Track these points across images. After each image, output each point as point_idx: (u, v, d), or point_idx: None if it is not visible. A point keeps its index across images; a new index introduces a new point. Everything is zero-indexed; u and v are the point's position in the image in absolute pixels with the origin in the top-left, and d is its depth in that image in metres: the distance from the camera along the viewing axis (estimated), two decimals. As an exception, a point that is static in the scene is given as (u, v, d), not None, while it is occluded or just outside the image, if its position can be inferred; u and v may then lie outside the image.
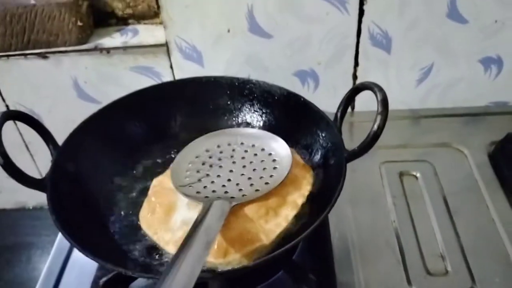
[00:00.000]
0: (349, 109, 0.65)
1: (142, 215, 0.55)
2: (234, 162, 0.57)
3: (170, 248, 0.51)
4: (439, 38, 0.76)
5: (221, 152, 0.59)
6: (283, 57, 0.77)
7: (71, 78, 0.79)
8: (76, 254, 0.64)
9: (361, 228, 0.64)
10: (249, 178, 0.55)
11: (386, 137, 0.77)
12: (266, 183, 0.54)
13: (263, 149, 0.59)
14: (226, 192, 0.53)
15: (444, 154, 0.74)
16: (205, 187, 0.54)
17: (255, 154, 0.58)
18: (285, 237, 0.52)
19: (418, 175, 0.71)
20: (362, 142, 0.53)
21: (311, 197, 0.57)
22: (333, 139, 0.58)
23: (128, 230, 0.55)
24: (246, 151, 0.59)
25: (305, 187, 0.55)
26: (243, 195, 0.52)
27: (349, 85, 0.80)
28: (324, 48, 0.77)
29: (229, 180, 0.55)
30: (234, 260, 0.48)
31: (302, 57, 0.78)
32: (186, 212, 0.52)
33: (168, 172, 0.58)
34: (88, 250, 0.45)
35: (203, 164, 0.58)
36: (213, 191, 0.53)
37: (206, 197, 0.52)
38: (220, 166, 0.57)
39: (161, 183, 0.57)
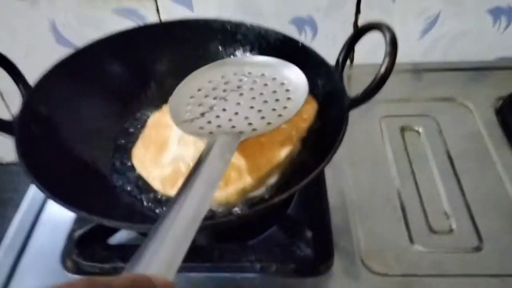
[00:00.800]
0: (348, 62, 0.60)
1: (135, 152, 0.52)
2: (241, 94, 0.50)
3: (157, 184, 0.47)
4: (447, -15, 0.70)
5: (226, 83, 0.52)
6: (280, 1, 0.71)
7: (48, 20, 0.73)
8: (50, 207, 0.59)
9: (360, 185, 0.59)
10: (259, 111, 0.48)
11: (386, 91, 0.72)
12: (279, 115, 0.47)
13: (274, 78, 0.52)
14: (233, 127, 0.46)
15: (448, 109, 0.70)
16: (209, 122, 0.47)
17: (265, 84, 0.51)
18: (280, 186, 0.48)
19: (420, 130, 0.66)
20: (368, 86, 0.48)
21: (308, 147, 0.52)
22: (334, 86, 0.53)
23: (111, 177, 0.51)
24: (255, 81, 0.52)
25: (305, 121, 0.51)
26: (253, 129, 0.46)
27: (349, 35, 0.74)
28: (323, -7, 0.71)
29: (236, 113, 0.48)
30: (220, 197, 0.45)
31: (300, 2, 0.72)
32: (177, 148, 0.48)
33: (165, 108, 0.53)
34: (60, 197, 0.40)
35: (206, 97, 0.51)
36: (218, 126, 0.47)
37: (211, 132, 0.46)
38: (226, 99, 0.50)
39: (158, 119, 0.53)
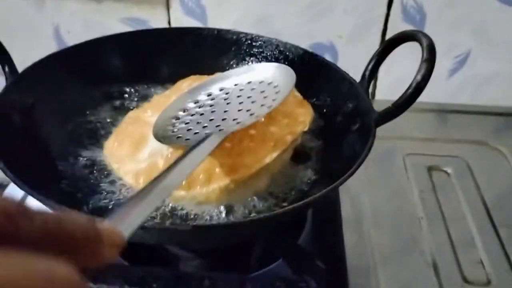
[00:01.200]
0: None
1: (108, 144, 0.46)
2: (228, 103, 0.45)
3: (129, 178, 0.42)
4: (479, 21, 0.66)
5: (212, 99, 0.47)
6: (299, 24, 0.67)
7: (52, 25, 0.68)
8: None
9: (381, 223, 0.51)
10: (248, 110, 0.43)
11: (410, 128, 0.67)
12: (268, 107, 0.42)
13: (261, 82, 0.46)
14: (220, 130, 0.41)
15: (480, 153, 0.62)
16: (195, 133, 0.42)
17: (253, 89, 0.46)
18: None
19: (449, 171, 0.59)
20: (400, 97, 0.42)
21: (321, 169, 0.45)
22: (358, 101, 0.47)
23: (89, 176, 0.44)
24: (241, 89, 0.47)
25: (299, 125, 0.46)
26: (237, 123, 0.41)
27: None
28: (348, 18, 0.66)
29: (224, 119, 0.42)
30: (200, 195, 0.40)
31: (321, 27, 0.67)
32: (155, 144, 0.42)
33: (146, 106, 0.49)
34: (30, 186, 0.33)
35: (192, 115, 0.45)
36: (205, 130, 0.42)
37: (196, 133, 0.42)
38: (213, 111, 0.45)
39: (136, 116, 0.48)
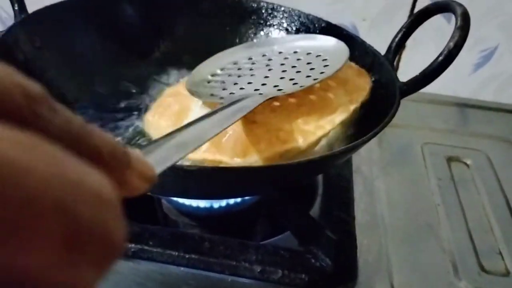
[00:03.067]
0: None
1: (149, 118, 0.43)
2: (270, 70, 0.42)
3: None
4: (509, 15, 0.63)
5: (253, 63, 0.44)
6: (322, 4, 0.65)
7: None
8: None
9: (395, 205, 0.48)
10: (292, 79, 0.40)
11: (429, 119, 0.64)
12: (314, 79, 0.39)
13: (309, 53, 0.43)
14: (260, 94, 0.38)
15: (501, 148, 0.59)
16: (231, 93, 0.39)
17: (298, 59, 0.43)
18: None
19: (469, 163, 0.56)
20: (429, 65, 0.39)
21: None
22: (382, 73, 0.44)
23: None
24: (286, 58, 0.44)
25: (359, 92, 0.42)
26: (278, 89, 0.39)
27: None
28: (373, 0, 0.64)
29: (264, 84, 0.40)
30: (256, 162, 0.35)
31: (344, 8, 0.65)
32: (198, 113, 0.39)
33: (182, 82, 0.45)
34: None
35: (229, 76, 0.43)
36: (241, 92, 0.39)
37: (231, 93, 0.39)
38: (252, 75, 0.42)
39: (177, 90, 0.45)
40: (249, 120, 0.38)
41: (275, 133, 0.37)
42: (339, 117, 0.39)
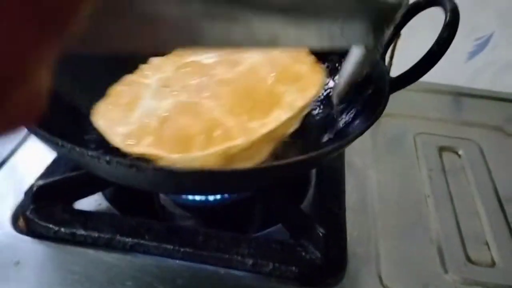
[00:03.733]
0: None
1: (98, 108, 0.42)
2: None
3: (117, 140, 0.38)
4: (506, 3, 0.63)
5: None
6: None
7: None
8: (15, 159, 0.49)
9: (386, 196, 0.49)
10: None
11: (424, 108, 0.65)
12: None
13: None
14: None
15: (493, 138, 0.60)
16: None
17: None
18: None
19: (461, 153, 0.57)
20: (418, 61, 0.40)
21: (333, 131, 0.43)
22: (372, 67, 0.45)
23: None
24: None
25: (310, 89, 0.42)
26: None
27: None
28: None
29: None
30: (195, 159, 0.35)
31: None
32: (150, 102, 0.39)
33: (143, 68, 0.46)
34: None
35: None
36: None
37: None
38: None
39: (131, 79, 0.45)
40: (191, 112, 0.37)
41: (217, 129, 0.37)
42: (285, 114, 0.39)
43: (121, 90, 0.43)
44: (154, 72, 0.44)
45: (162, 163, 0.35)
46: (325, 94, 0.49)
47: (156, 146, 0.36)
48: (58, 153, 0.41)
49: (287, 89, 0.41)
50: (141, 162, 0.34)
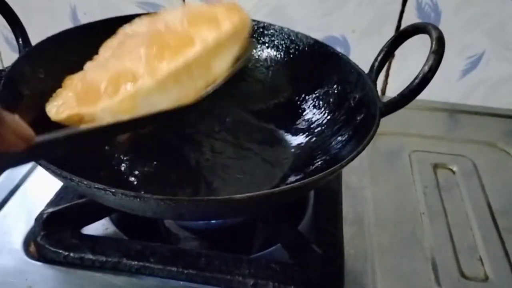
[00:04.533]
0: (379, 93, 0.53)
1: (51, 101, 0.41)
2: None
3: (52, 112, 0.38)
4: (495, 22, 0.65)
5: None
6: (313, 16, 0.67)
7: (69, 6, 0.69)
8: (26, 186, 0.52)
9: (382, 214, 0.51)
10: None
11: (418, 125, 0.67)
12: None
13: None
14: None
15: (487, 153, 0.62)
16: None
17: None
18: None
19: (455, 169, 0.59)
20: (406, 88, 0.42)
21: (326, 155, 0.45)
22: (365, 92, 0.47)
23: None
24: None
25: (224, 24, 0.40)
26: None
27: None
28: (362, 12, 0.66)
29: None
30: (107, 108, 0.35)
31: (334, 20, 0.67)
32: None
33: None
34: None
35: None
36: None
37: None
38: None
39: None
40: (102, 67, 0.37)
41: (124, 76, 0.36)
42: (195, 49, 0.37)
43: (70, 77, 0.42)
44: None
45: (87, 120, 0.36)
46: (320, 118, 0.51)
47: (74, 106, 0.36)
48: (67, 185, 0.43)
49: (199, 30, 0.39)
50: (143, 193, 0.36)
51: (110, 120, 0.35)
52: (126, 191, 0.32)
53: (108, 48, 0.43)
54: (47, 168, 0.34)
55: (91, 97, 0.35)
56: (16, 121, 0.22)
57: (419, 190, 0.55)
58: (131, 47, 0.38)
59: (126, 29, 0.45)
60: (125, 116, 0.35)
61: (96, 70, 0.37)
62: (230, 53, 0.42)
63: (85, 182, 0.32)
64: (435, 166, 0.59)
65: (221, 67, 0.41)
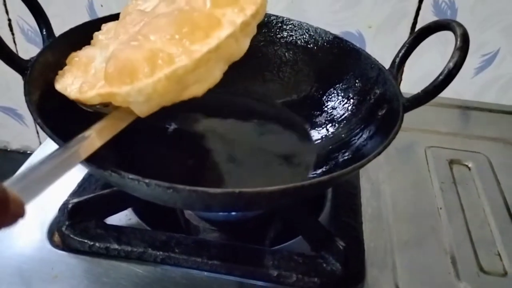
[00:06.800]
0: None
1: (60, 79, 0.42)
2: None
3: (74, 93, 0.39)
4: (510, 20, 0.66)
5: None
6: (330, 12, 0.67)
7: (87, -2, 0.70)
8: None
9: (400, 209, 0.52)
10: None
11: (433, 122, 0.67)
12: None
13: None
14: None
15: (502, 150, 0.63)
16: None
17: None
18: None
19: (471, 165, 0.59)
20: (430, 84, 0.42)
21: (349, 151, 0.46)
22: (386, 87, 0.47)
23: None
24: None
25: (249, 7, 0.40)
26: None
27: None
28: (378, 8, 0.66)
29: None
30: (145, 87, 0.35)
31: (351, 16, 0.67)
32: (99, 56, 0.41)
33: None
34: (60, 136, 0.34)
35: None
36: None
37: None
38: None
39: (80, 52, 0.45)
40: (132, 47, 0.37)
41: (158, 56, 0.36)
42: (226, 31, 0.38)
43: (76, 56, 0.44)
44: (107, 35, 0.45)
45: (118, 100, 0.36)
46: (341, 113, 0.51)
47: (105, 86, 0.36)
48: (97, 174, 0.44)
49: (225, 12, 0.40)
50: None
51: (142, 101, 0.36)
52: (160, 181, 0.32)
53: (124, 25, 0.43)
54: (85, 164, 0.34)
55: (125, 77, 0.35)
56: (18, 202, 0.24)
57: (436, 186, 0.55)
58: (157, 26, 0.38)
59: (138, 6, 0.45)
60: (156, 98, 0.36)
61: (126, 49, 0.37)
62: (251, 34, 0.42)
63: (118, 173, 0.32)
64: (451, 162, 0.59)
65: (242, 48, 0.41)
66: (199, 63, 0.36)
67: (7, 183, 0.25)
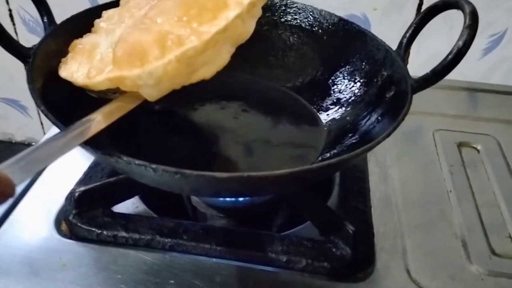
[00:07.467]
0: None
1: (64, 66, 0.42)
2: None
3: (81, 79, 0.38)
4: (519, 0, 0.65)
5: None
6: (335, -5, 0.66)
7: (87, -14, 0.69)
8: (53, 166, 0.52)
9: (409, 192, 0.51)
10: None
11: (440, 105, 0.67)
12: None
13: None
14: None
15: (510, 131, 0.62)
16: None
17: None
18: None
19: (479, 148, 0.58)
20: (439, 63, 0.41)
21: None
22: (394, 69, 0.46)
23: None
24: None
25: None
26: None
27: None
28: (384, -10, 0.65)
29: None
30: (155, 69, 0.34)
31: (356, -2, 0.66)
32: (105, 42, 0.40)
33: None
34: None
35: None
36: None
37: None
38: None
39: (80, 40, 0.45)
40: (141, 30, 0.37)
41: (168, 38, 0.35)
42: (234, 12, 0.37)
43: (79, 43, 0.43)
44: (109, 22, 0.44)
45: (128, 84, 0.35)
46: (348, 96, 0.51)
47: (115, 69, 0.36)
48: (104, 161, 0.43)
49: None
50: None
51: (152, 84, 0.35)
52: (167, 167, 0.31)
53: (129, 9, 0.43)
54: (84, 147, 0.34)
55: (135, 59, 0.35)
56: (6, 181, 0.24)
57: (445, 169, 0.55)
58: (164, 9, 0.38)
59: None
60: (166, 81, 0.35)
61: (134, 33, 0.36)
62: (256, 15, 0.41)
63: (124, 159, 0.32)
64: (460, 145, 0.59)
65: (248, 30, 0.41)
66: (208, 44, 0.35)
67: (3, 164, 0.25)
